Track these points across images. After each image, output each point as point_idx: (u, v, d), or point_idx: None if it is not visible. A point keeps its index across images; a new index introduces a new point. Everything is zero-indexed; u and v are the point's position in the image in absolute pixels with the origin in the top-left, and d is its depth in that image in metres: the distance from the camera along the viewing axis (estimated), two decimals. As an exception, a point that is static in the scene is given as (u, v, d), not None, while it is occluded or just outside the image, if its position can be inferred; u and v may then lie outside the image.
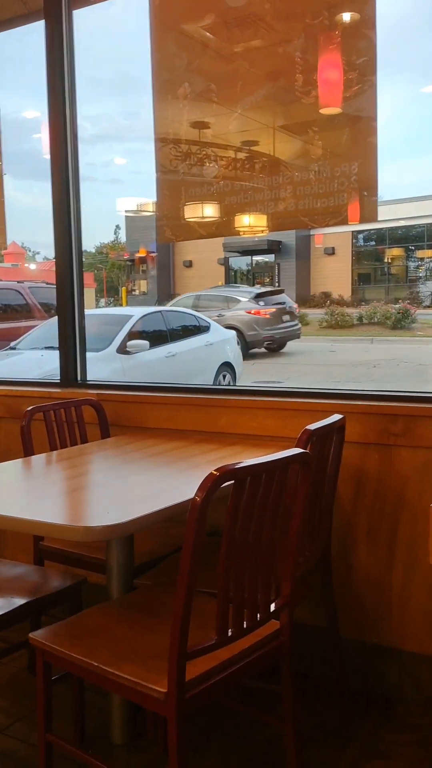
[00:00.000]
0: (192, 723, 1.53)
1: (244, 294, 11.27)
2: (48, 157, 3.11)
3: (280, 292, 13.46)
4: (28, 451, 2.55)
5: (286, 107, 2.60)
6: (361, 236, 26.26)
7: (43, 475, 2.31)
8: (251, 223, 2.76)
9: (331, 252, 25.81)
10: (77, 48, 3.06)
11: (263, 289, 13.24)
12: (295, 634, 1.83)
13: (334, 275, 25.43)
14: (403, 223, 24.65)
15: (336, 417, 2.14)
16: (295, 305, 13.63)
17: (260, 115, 2.66)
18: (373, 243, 26.86)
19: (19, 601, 2.09)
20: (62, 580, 2.23)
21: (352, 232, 25.37)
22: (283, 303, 11.78)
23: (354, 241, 26.09)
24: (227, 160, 2.74)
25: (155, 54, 2.78)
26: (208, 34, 2.72)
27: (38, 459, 2.45)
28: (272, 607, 1.74)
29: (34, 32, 3.16)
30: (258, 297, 11.23)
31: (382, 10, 2.37)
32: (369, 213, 2.48)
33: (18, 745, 2.20)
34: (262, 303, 10.38)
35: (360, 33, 2.40)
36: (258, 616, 1.68)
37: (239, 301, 10.11)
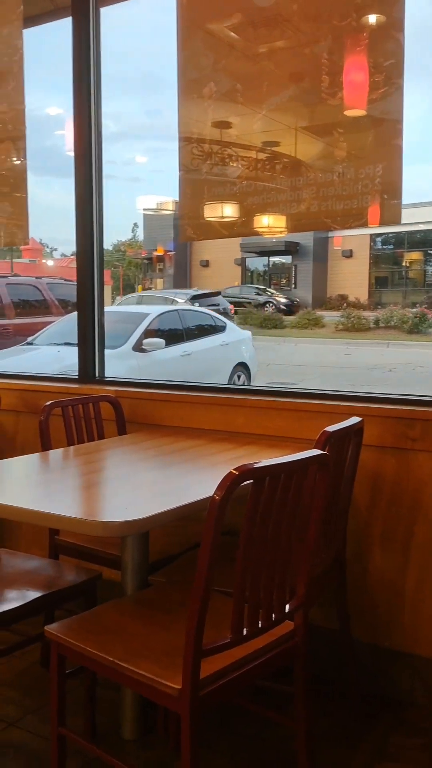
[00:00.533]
0: (204, 721, 1.54)
1: (181, 296, 11.71)
2: (71, 153, 3.13)
3: (216, 294, 14.32)
4: (45, 446, 2.56)
5: (311, 108, 2.59)
6: (379, 239, 26.17)
7: (61, 469, 2.33)
8: (270, 224, 2.76)
9: (348, 254, 25.74)
10: (102, 46, 3.07)
11: (200, 292, 13.97)
12: (308, 636, 1.83)
13: (352, 278, 25.36)
14: (422, 227, 24.53)
15: (354, 420, 2.14)
16: (231, 306, 14.55)
17: (283, 116, 2.66)
18: (391, 246, 26.75)
19: (34, 595, 2.10)
20: (77, 575, 2.24)
21: (371, 235, 25.28)
22: (218, 304, 12.61)
23: (372, 244, 26.00)
24: (249, 161, 2.74)
25: (181, 53, 2.79)
26: (233, 34, 2.72)
27: (56, 453, 2.46)
28: (287, 607, 1.74)
29: (58, 29, 3.18)
30: (194, 298, 11.70)
31: (410, 12, 2.36)
32: (392, 216, 2.47)
33: (29, 737, 2.21)
34: (197, 304, 10.79)
35: (388, 35, 2.40)
36: (273, 616, 1.68)
37: (177, 302, 10.48)
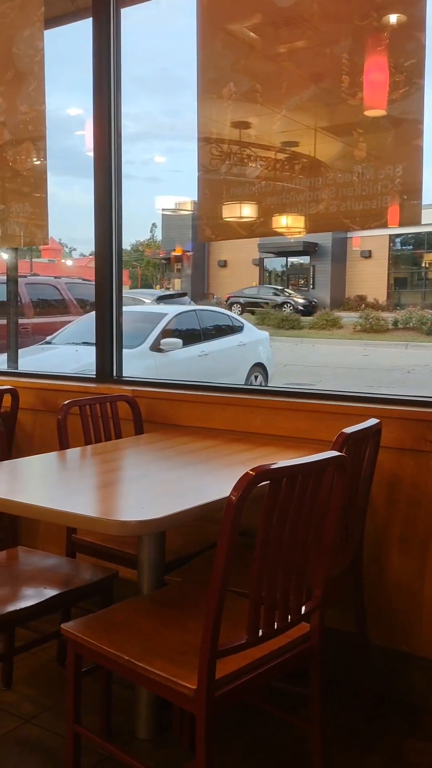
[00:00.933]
0: (218, 720, 1.54)
1: (148, 296, 11.89)
2: (91, 154, 3.15)
3: (183, 295, 14.47)
4: (63, 444, 2.57)
5: (331, 108, 2.58)
6: (398, 240, 26.01)
7: (78, 468, 2.34)
8: (289, 224, 2.75)
9: (367, 255, 25.62)
10: (123, 46, 3.08)
11: (166, 293, 14.09)
12: (324, 638, 1.82)
13: (370, 279, 25.23)
14: (442, 228, 24.34)
15: (372, 421, 2.13)
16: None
17: (302, 116, 2.65)
18: (410, 247, 26.59)
19: (51, 593, 2.12)
20: (93, 574, 2.25)
21: (390, 235, 25.14)
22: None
23: (391, 244, 25.85)
24: (267, 161, 2.74)
25: (201, 53, 2.79)
26: (253, 34, 2.72)
27: (73, 452, 2.47)
28: (303, 609, 1.74)
29: (79, 30, 3.20)
30: (160, 299, 11.85)
31: (432, 12, 2.34)
32: (412, 216, 2.45)
33: (44, 734, 2.23)
34: (162, 304, 10.97)
35: (409, 35, 2.38)
36: (289, 617, 1.68)
37: (144, 302, 10.65)
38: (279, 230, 2.77)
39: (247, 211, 2.80)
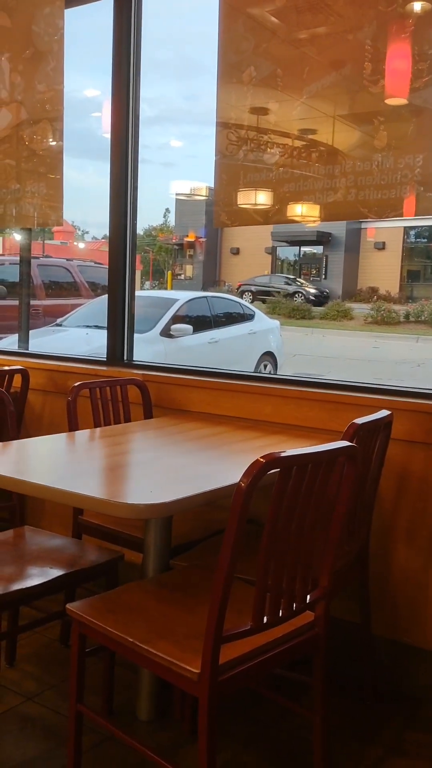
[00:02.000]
0: (220, 705, 1.54)
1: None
2: (107, 136, 3.13)
3: None
4: (72, 426, 2.58)
5: (351, 96, 2.55)
6: (413, 232, 25.82)
7: (87, 450, 2.34)
8: (304, 213, 2.73)
9: (381, 246, 25.44)
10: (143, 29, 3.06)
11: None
12: (328, 628, 1.82)
13: (383, 270, 25.07)
14: (458, 220, 24.14)
15: (384, 413, 2.12)
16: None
17: (322, 104, 2.62)
18: (424, 240, 26.38)
19: (56, 573, 2.12)
20: (99, 555, 2.26)
21: (405, 227, 24.95)
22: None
23: (405, 236, 25.66)
24: (285, 148, 2.72)
25: (222, 36, 2.76)
26: (275, 19, 2.69)
27: (82, 434, 2.48)
28: (308, 598, 1.74)
29: (98, 10, 3.16)
30: None
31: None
32: (429, 207, 2.43)
33: (47, 713, 2.25)
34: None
35: (434, 22, 2.34)
36: (294, 605, 1.68)
37: None
38: (294, 218, 2.75)
39: (262, 198, 2.78)
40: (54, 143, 3.36)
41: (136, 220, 3.13)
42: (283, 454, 1.50)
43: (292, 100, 2.66)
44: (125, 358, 3.17)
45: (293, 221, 2.78)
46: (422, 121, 2.40)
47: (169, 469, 2.07)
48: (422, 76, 2.37)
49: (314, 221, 2.76)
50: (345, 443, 1.68)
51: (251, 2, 2.71)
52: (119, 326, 3.15)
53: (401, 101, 2.47)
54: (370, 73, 2.47)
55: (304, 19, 2.59)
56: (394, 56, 2.47)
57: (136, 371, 3.02)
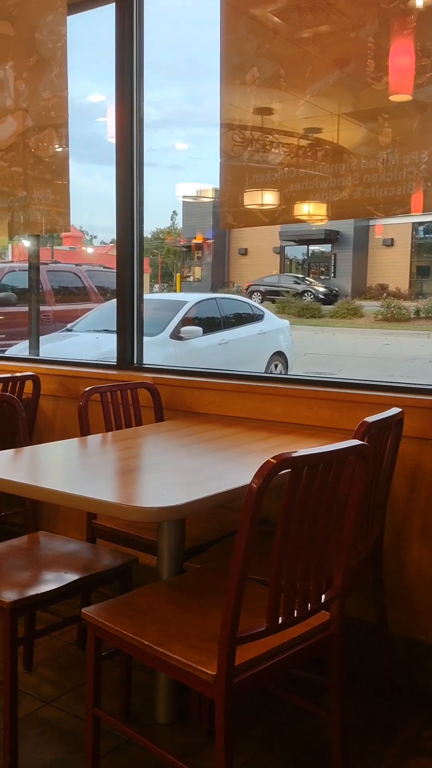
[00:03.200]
0: (238, 706, 1.54)
1: None
2: (113, 140, 3.14)
3: None
4: (84, 431, 2.59)
5: (355, 93, 2.55)
6: (421, 228, 25.70)
7: (99, 454, 2.35)
8: (311, 212, 2.73)
9: (389, 243, 25.36)
10: (146, 33, 3.06)
11: None
12: (343, 627, 1.82)
13: (392, 267, 24.98)
14: (466, 215, 24.00)
15: (395, 410, 2.11)
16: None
17: (326, 102, 2.62)
18: (433, 235, 26.26)
19: (72, 577, 2.13)
20: (114, 559, 2.27)
21: (413, 223, 24.86)
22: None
23: (414, 232, 25.55)
24: (290, 147, 2.71)
25: (225, 38, 2.76)
26: (277, 19, 2.69)
27: (94, 439, 2.49)
28: (323, 597, 1.74)
29: (103, 15, 3.18)
30: None
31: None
32: (435, 203, 2.42)
33: (65, 717, 2.25)
34: None
35: (436, 18, 2.34)
36: (309, 605, 1.68)
37: None
38: (301, 218, 2.75)
39: (269, 199, 2.78)
40: (60, 149, 3.38)
41: (142, 223, 3.14)
42: (294, 455, 1.50)
43: (295, 99, 2.66)
44: (135, 361, 3.18)
45: (300, 221, 2.78)
46: (427, 117, 2.39)
47: (181, 471, 2.08)
48: (426, 71, 2.37)
49: (321, 220, 2.76)
50: (356, 442, 1.67)
51: (253, 3, 2.71)
52: (128, 330, 3.16)
53: (405, 97, 2.46)
54: (374, 71, 2.46)
55: (306, 18, 2.59)
56: (397, 53, 2.46)
57: (146, 374, 3.03)
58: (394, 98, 2.47)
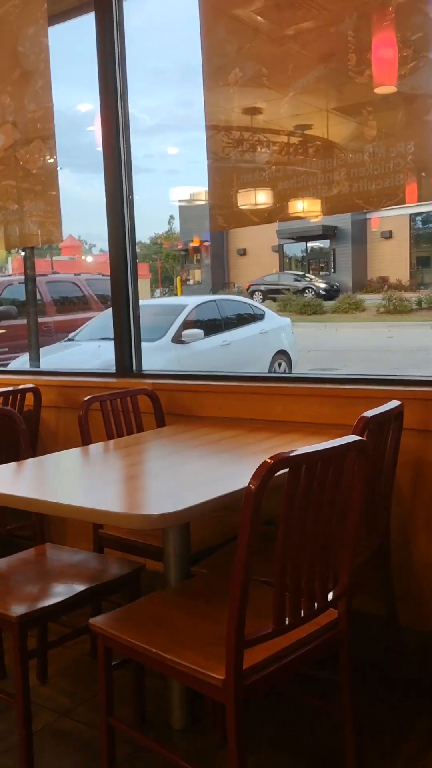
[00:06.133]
0: (250, 709, 1.54)
1: None
2: (101, 149, 3.14)
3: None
4: (86, 440, 2.59)
5: (339, 88, 2.54)
6: (419, 218, 25.65)
7: (101, 463, 2.35)
8: (305, 208, 2.72)
9: (388, 236, 25.32)
10: (138, 41, 3.06)
11: None
12: (353, 623, 1.81)
13: (392, 259, 24.94)
14: (462, 203, 23.93)
15: (394, 403, 2.10)
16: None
17: (313, 98, 2.62)
18: (431, 225, 26.20)
19: (80, 587, 2.13)
20: (121, 567, 2.27)
21: (410, 214, 24.80)
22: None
23: (412, 223, 25.50)
24: (280, 145, 2.71)
25: (205, 41, 2.76)
26: (258, 18, 2.68)
27: (96, 448, 2.49)
28: (330, 596, 1.73)
29: (87, 25, 3.18)
30: None
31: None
32: (426, 192, 2.41)
33: (81, 727, 2.25)
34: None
35: (415, 8, 2.33)
36: (315, 605, 1.67)
37: None
38: (295, 215, 2.74)
39: (262, 198, 2.78)
40: (50, 161, 3.38)
41: (134, 229, 3.14)
42: (291, 454, 1.49)
43: (280, 97, 2.66)
44: (134, 368, 3.17)
45: (293, 218, 2.77)
46: (411, 107, 2.39)
47: (184, 476, 2.07)
48: (407, 62, 2.36)
49: (316, 216, 2.75)
50: (354, 438, 1.67)
51: (232, 4, 2.71)
52: (126, 337, 3.16)
53: (390, 89, 2.45)
54: (356, 64, 2.46)
55: (285, 15, 2.59)
56: (378, 45, 2.46)
57: (145, 381, 3.03)
58: (378, 90, 2.47)
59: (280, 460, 1.46)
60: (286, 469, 1.49)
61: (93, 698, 2.40)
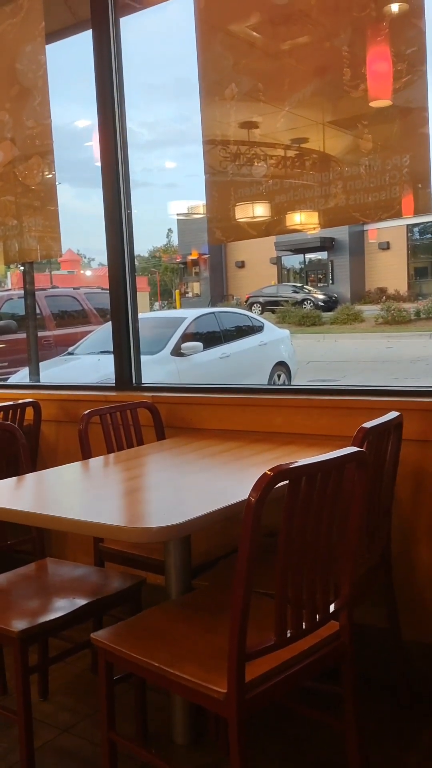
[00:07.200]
0: (253, 723, 1.53)
1: None
2: (98, 164, 3.16)
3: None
4: (86, 454, 2.59)
5: (334, 102, 2.57)
6: (416, 229, 25.75)
7: (101, 477, 2.35)
8: (302, 221, 2.73)
9: (385, 247, 25.41)
10: (135, 56, 3.09)
11: None
12: (355, 635, 1.80)
13: (390, 270, 25.01)
14: (459, 214, 24.01)
15: (393, 414, 2.11)
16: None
17: (309, 112, 2.64)
18: (429, 236, 26.30)
19: (81, 602, 2.13)
20: (122, 581, 2.26)
21: (407, 225, 24.91)
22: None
23: (409, 234, 25.59)
24: (276, 159, 2.73)
25: (201, 56, 2.79)
26: (254, 33, 2.71)
27: (96, 461, 2.48)
28: (331, 607, 1.72)
29: (84, 42, 3.22)
30: None
31: (430, -2, 2.32)
32: (423, 205, 2.42)
33: (83, 743, 2.24)
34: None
35: (408, 23, 2.36)
36: (317, 617, 1.66)
37: None
38: (293, 227, 2.76)
39: (260, 211, 2.79)
40: (49, 176, 3.41)
41: (132, 243, 3.15)
42: (291, 466, 1.50)
43: (277, 111, 2.68)
44: (134, 381, 3.18)
45: (290, 231, 2.79)
46: (406, 121, 2.41)
47: (183, 488, 2.07)
48: (402, 76, 2.38)
49: (313, 229, 2.77)
50: (353, 449, 1.67)
51: (227, 19, 2.74)
52: (125, 350, 3.16)
53: (385, 103, 2.48)
54: (351, 78, 2.48)
55: (280, 31, 2.62)
56: (373, 60, 2.48)
57: (145, 394, 3.03)
58: (374, 104, 2.49)
59: (280, 472, 1.46)
60: (286, 481, 1.49)
61: (94, 714, 2.38)
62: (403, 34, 2.37)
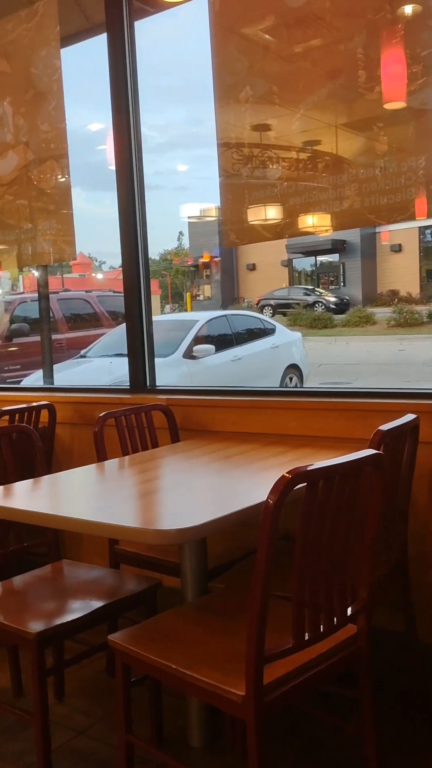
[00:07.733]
0: (270, 727, 1.53)
1: None
2: (113, 168, 3.17)
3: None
4: (101, 456, 2.60)
5: (348, 104, 2.56)
6: (428, 231, 25.65)
7: (117, 479, 2.35)
8: (315, 223, 2.73)
9: (397, 249, 25.33)
10: (145, 59, 3.10)
11: None
12: (372, 639, 1.80)
13: (402, 272, 24.94)
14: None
15: (409, 417, 2.10)
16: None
17: (322, 114, 2.64)
18: (441, 238, 26.19)
19: (97, 604, 2.13)
20: (138, 584, 2.26)
21: (420, 227, 24.82)
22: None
23: (421, 236, 25.51)
24: (290, 161, 2.73)
25: (216, 59, 2.80)
26: (267, 36, 2.72)
27: (111, 464, 2.49)
28: (349, 611, 1.72)
29: (97, 46, 3.24)
30: None
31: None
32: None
33: (98, 746, 2.24)
34: None
35: (424, 24, 2.35)
36: (334, 619, 1.66)
37: None
38: (305, 230, 2.76)
39: (272, 213, 2.80)
40: (62, 180, 3.42)
41: (147, 246, 3.16)
42: (309, 468, 1.50)
43: (291, 114, 2.69)
44: (148, 384, 3.19)
45: (303, 233, 2.79)
46: (421, 123, 2.40)
47: (199, 491, 2.07)
48: (417, 78, 2.38)
49: (326, 231, 2.76)
50: (370, 451, 1.67)
51: (241, 23, 2.74)
52: (139, 353, 3.17)
53: (399, 105, 2.47)
54: (365, 81, 2.48)
55: (294, 34, 2.62)
56: (388, 62, 2.48)
57: (159, 396, 3.04)
58: (388, 106, 2.49)
59: (298, 475, 1.46)
60: (304, 484, 1.49)
61: (109, 716, 2.39)
62: (417, 36, 2.37)
